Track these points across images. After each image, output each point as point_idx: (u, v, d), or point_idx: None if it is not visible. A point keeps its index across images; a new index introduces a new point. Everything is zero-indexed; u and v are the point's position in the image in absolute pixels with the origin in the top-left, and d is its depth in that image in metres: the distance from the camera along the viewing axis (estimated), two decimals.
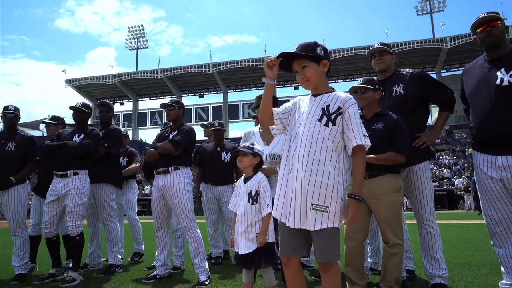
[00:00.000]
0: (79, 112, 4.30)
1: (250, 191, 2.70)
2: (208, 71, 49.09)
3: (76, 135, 4.18)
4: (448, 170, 28.62)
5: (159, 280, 3.89)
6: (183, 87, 54.37)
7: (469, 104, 2.98)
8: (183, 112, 4.28)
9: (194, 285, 3.61)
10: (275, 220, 2.24)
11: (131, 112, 55.06)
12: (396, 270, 2.77)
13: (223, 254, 5.17)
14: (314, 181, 1.95)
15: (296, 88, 51.43)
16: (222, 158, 5.05)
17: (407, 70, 3.40)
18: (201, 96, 54.93)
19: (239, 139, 5.08)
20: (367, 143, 2.03)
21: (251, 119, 53.28)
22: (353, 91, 3.19)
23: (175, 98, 55.45)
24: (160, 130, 4.73)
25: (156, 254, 4.34)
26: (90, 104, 5.17)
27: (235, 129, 58.60)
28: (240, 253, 2.66)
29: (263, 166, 2.87)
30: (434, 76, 48.11)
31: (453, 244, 6.23)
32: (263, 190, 2.67)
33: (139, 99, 56.70)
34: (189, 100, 66.65)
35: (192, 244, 3.86)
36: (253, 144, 2.85)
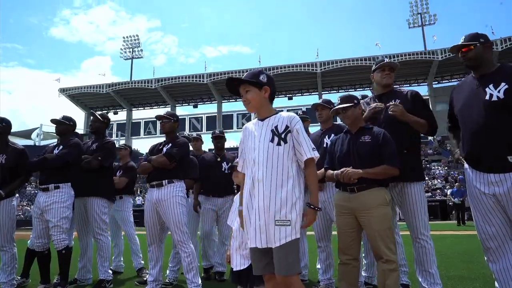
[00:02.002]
0: (60, 124, 4.32)
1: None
2: (203, 81, 49.27)
3: (57, 148, 4.20)
4: (439, 180, 28.78)
5: None
6: (177, 97, 54.41)
7: (454, 122, 3.02)
8: (177, 125, 4.28)
9: None
10: None
11: (125, 121, 54.85)
12: (394, 286, 2.74)
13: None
14: (274, 200, 2.12)
15: (290, 98, 51.79)
16: (223, 169, 4.93)
17: (405, 89, 3.48)
18: (195, 106, 54.95)
19: (234, 149, 5.06)
20: (316, 155, 2.23)
21: None
22: (335, 112, 3.22)
23: (169, 108, 55.22)
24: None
25: (149, 268, 4.28)
26: (83, 114, 5.14)
27: (230, 139, 58.51)
28: (234, 269, 2.63)
29: None
30: (426, 87, 48.75)
31: (446, 256, 6.22)
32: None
33: (133, 109, 56.54)
34: (183, 110, 66.83)
35: (185, 259, 3.81)
36: None
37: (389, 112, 3.15)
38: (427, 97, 48.10)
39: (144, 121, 55.08)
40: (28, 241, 4.35)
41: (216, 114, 53.16)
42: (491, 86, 2.72)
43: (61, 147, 4.17)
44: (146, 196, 4.08)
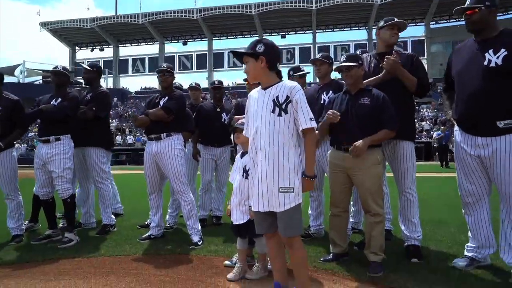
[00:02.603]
0: (58, 75, 4.25)
1: (245, 166, 2.82)
2: (192, 16, 46.93)
3: (54, 99, 4.17)
4: (428, 122, 29.34)
5: (154, 240, 4.10)
6: (165, 33, 52.11)
7: (450, 85, 3.09)
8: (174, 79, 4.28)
9: (188, 245, 3.84)
10: None
11: (112, 58, 53.00)
12: (380, 238, 3.02)
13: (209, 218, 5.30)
14: (277, 168, 2.25)
15: (283, 36, 50.08)
16: (222, 120, 4.98)
17: (404, 52, 3.49)
18: (184, 43, 52.97)
19: (226, 87, 5.10)
20: (313, 125, 2.28)
21: (236, 68, 52.25)
22: (338, 70, 3.25)
23: (157, 44, 53.06)
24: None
25: (150, 215, 4.54)
26: (68, 67, 4.98)
27: (220, 78, 57.51)
28: (234, 223, 2.85)
29: None
30: (423, 27, 47.35)
31: (426, 201, 6.58)
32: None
33: (120, 45, 54.31)
34: (172, 47, 64.28)
35: (185, 207, 4.04)
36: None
37: (382, 65, 3.19)
38: (423, 38, 47.08)
39: (132, 58, 53.29)
40: (33, 188, 4.50)
41: (206, 52, 51.51)
42: (490, 51, 2.76)
43: (59, 99, 4.13)
44: (145, 148, 4.18)
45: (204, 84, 51.17)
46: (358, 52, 4.46)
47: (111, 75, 50.21)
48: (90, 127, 4.45)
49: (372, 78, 3.32)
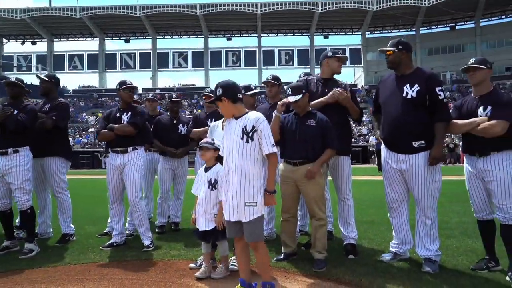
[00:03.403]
0: (11, 85, 4.28)
1: (210, 179, 3.23)
2: (135, 13, 45.50)
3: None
4: (365, 127, 31.59)
5: (116, 247, 4.31)
6: (106, 29, 49.87)
7: (377, 109, 3.81)
8: None
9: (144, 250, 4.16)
10: None
11: (46, 53, 49.49)
12: (323, 238, 3.60)
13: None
14: (244, 186, 2.72)
15: (229, 39, 50.48)
16: (179, 131, 5.29)
17: (342, 81, 4.15)
18: (127, 41, 51.15)
19: (168, 89, 5.39)
20: (274, 150, 2.76)
21: (181, 69, 51.60)
22: (264, 83, 3.85)
23: (97, 41, 50.43)
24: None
25: (109, 222, 4.72)
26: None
27: (165, 78, 56.15)
28: (200, 230, 3.23)
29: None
30: (359, 37, 50.49)
31: (362, 203, 7.45)
32: (220, 180, 3.21)
33: (55, 39, 50.93)
34: (113, 44, 61.51)
35: (138, 216, 4.36)
36: (213, 140, 3.35)
37: (334, 93, 3.79)
38: (359, 46, 50.36)
39: (69, 54, 50.28)
40: None
41: (150, 51, 50.24)
42: (407, 85, 3.47)
43: (15, 111, 4.15)
44: (108, 160, 4.39)
45: (148, 84, 49.97)
46: (302, 75, 5.02)
47: (45, 71, 46.81)
48: (49, 138, 4.52)
49: (318, 100, 3.89)
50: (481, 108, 3.30)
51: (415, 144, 3.43)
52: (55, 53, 50.26)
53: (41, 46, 50.15)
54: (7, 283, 3.21)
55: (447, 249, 3.96)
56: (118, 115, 4.40)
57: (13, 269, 3.61)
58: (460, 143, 27.09)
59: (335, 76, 4.12)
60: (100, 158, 29.69)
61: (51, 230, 5.02)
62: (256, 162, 2.74)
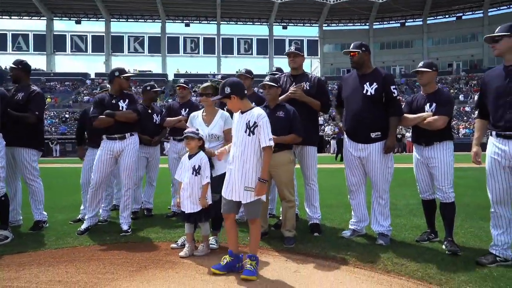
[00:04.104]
0: None
1: (194, 165, 3.51)
2: None
3: None
4: (321, 118, 32.78)
5: (92, 232, 4.45)
6: (54, 8, 46.81)
7: (340, 103, 4.28)
8: None
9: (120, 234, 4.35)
10: (216, 184, 3.45)
11: None
12: (292, 219, 4.03)
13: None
14: (245, 172, 3.11)
15: (187, 25, 49.49)
16: (154, 121, 5.44)
17: (311, 74, 4.58)
18: (78, 22, 48.39)
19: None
20: (271, 143, 3.15)
21: (137, 54, 49.83)
22: (261, 86, 4.12)
23: (45, 20, 47.21)
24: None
25: (82, 209, 4.81)
26: None
27: (119, 62, 53.84)
28: (186, 212, 3.52)
29: (205, 146, 3.68)
30: (317, 29, 51.70)
31: (322, 189, 7.99)
32: (203, 165, 3.52)
33: None
34: (62, 24, 57.59)
35: (126, 200, 4.52)
36: (197, 130, 3.62)
37: (289, 94, 4.18)
38: (317, 38, 51.65)
39: (12, 34, 46.60)
40: None
41: (104, 34, 47.99)
42: (367, 83, 3.95)
43: None
44: (103, 146, 4.45)
45: (101, 68, 47.72)
46: (274, 69, 5.38)
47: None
48: (21, 127, 4.48)
49: (284, 95, 4.28)
50: (428, 104, 3.86)
51: (373, 135, 3.93)
52: None
53: None
54: None
55: (396, 226, 4.55)
56: (114, 101, 4.47)
57: None
58: (407, 134, 29.18)
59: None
60: (51, 146, 28.37)
61: (21, 218, 4.99)
62: (256, 153, 3.13)
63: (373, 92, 3.91)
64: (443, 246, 3.71)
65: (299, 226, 4.58)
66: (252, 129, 3.11)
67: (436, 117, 3.74)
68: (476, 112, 3.67)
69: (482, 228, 4.49)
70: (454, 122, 32.63)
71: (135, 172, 4.79)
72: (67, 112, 37.06)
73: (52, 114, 36.65)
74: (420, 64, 3.93)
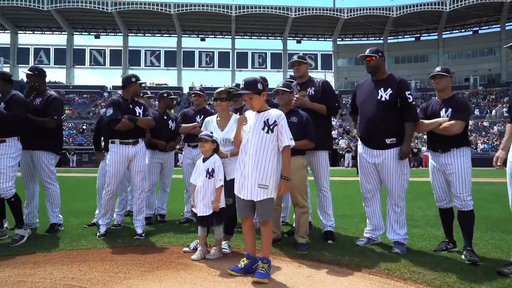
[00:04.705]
0: None
1: (208, 168, 3.53)
2: (107, 9, 44.58)
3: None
4: (335, 132, 32.64)
5: (107, 237, 4.48)
6: (75, 23, 48.48)
7: (354, 109, 4.25)
8: None
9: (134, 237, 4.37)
10: (229, 188, 3.36)
11: (9, 46, 47.29)
12: (306, 225, 3.98)
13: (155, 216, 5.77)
14: (259, 170, 3.09)
15: (202, 39, 50.41)
16: (169, 127, 5.50)
17: (317, 79, 4.55)
18: (97, 37, 49.93)
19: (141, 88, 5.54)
20: (292, 143, 3.15)
21: (154, 68, 50.86)
22: (275, 92, 4.14)
23: (65, 35, 48.46)
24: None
25: (97, 213, 4.85)
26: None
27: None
28: (198, 215, 3.52)
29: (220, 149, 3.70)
30: (331, 43, 51.94)
31: (336, 199, 7.92)
32: (217, 168, 3.53)
33: (19, 32, 48.84)
34: (82, 39, 59.35)
35: (140, 203, 4.58)
36: (212, 132, 3.65)
37: (292, 103, 4.17)
38: (331, 53, 51.83)
39: (34, 48, 48.31)
40: None
41: (121, 48, 49.28)
42: (382, 89, 3.92)
43: (2, 104, 4.15)
44: (115, 151, 4.45)
45: (118, 81, 48.63)
46: (287, 76, 5.44)
47: (8, 65, 44.66)
48: (41, 132, 4.56)
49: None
50: (443, 110, 3.80)
51: (388, 141, 3.88)
52: (19, 46, 48.18)
53: (4, 38, 47.91)
54: (10, 265, 3.33)
55: (413, 236, 4.43)
56: (131, 106, 4.55)
57: (9, 254, 3.70)
58: (423, 148, 28.73)
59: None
60: (68, 156, 28.96)
61: (37, 221, 5.07)
62: (272, 151, 3.11)
63: (387, 98, 3.88)
64: (462, 256, 3.59)
65: (312, 233, 4.52)
66: (271, 127, 3.11)
67: (453, 122, 3.67)
68: (508, 117, 3.55)
69: (503, 239, 4.36)
70: (472, 137, 32.01)
71: (147, 175, 4.83)
72: (85, 124, 37.86)
73: (70, 125, 37.49)
74: (437, 68, 3.89)
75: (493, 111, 38.41)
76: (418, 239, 4.37)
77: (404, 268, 3.27)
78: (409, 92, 3.91)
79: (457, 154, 3.72)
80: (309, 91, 4.36)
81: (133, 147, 4.49)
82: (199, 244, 3.61)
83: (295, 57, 4.48)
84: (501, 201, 8.47)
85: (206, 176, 3.53)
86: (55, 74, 47.93)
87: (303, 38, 50.85)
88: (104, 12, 44.85)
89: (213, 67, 50.63)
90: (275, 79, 46.08)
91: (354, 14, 45.38)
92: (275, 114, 3.17)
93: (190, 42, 61.95)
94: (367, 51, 4.06)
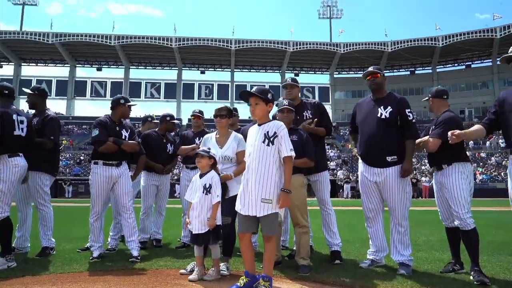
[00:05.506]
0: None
1: (205, 184, 3.45)
2: (110, 42, 45.80)
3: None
4: (333, 163, 32.60)
5: (101, 260, 4.30)
6: (78, 56, 49.62)
7: (355, 129, 4.24)
8: None
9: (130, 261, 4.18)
10: (228, 207, 3.22)
11: (12, 77, 48.04)
12: (306, 246, 3.85)
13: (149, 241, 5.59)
14: (262, 184, 3.00)
15: (202, 72, 51.46)
16: (167, 150, 5.46)
17: (309, 100, 4.63)
18: (99, 69, 50.93)
19: (138, 119, 5.52)
20: (292, 154, 3.10)
21: (153, 99, 51.51)
22: (280, 110, 4.14)
23: (68, 67, 49.53)
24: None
25: (91, 237, 4.69)
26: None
27: (136, 108, 55.46)
28: (193, 233, 3.40)
29: (218, 167, 3.63)
30: (328, 76, 53.09)
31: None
32: (214, 184, 3.45)
33: (23, 64, 49.84)
34: (84, 72, 60.78)
35: (130, 224, 4.45)
36: (209, 148, 3.59)
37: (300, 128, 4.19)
38: (328, 85, 52.84)
39: (37, 79, 49.05)
40: None
41: (122, 80, 50.13)
42: (382, 107, 3.92)
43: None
44: (99, 172, 4.40)
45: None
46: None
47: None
48: (36, 152, 4.49)
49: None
50: (432, 128, 3.83)
51: (388, 158, 3.83)
52: (22, 78, 48.98)
53: (8, 70, 48.79)
54: (14, 284, 3.16)
55: (418, 259, 4.28)
56: (117, 129, 4.52)
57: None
58: (422, 178, 28.58)
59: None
60: (64, 186, 28.61)
61: (29, 245, 4.89)
62: (274, 164, 3.05)
63: (387, 116, 3.88)
64: (471, 277, 3.44)
65: (314, 257, 4.36)
66: (271, 139, 3.06)
67: (425, 139, 3.75)
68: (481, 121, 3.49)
69: (511, 262, 4.21)
70: None
71: (142, 198, 4.71)
72: (83, 154, 37.76)
73: (67, 155, 37.36)
74: (430, 92, 4.02)
75: (487, 143, 38.64)
76: (423, 262, 4.22)
77: None
78: (409, 110, 3.92)
79: (450, 171, 3.65)
80: (305, 115, 4.38)
81: (117, 169, 4.44)
82: (196, 265, 3.46)
83: (288, 80, 4.54)
84: (504, 227, 8.35)
85: (203, 192, 3.44)
86: (56, 105, 48.42)
87: (301, 71, 51.95)
88: (107, 45, 46.03)
89: (212, 99, 51.30)
90: (272, 110, 46.57)
91: (350, 49, 46.71)
92: (275, 125, 3.13)
93: (190, 75, 63.18)
94: (371, 68, 4.11)
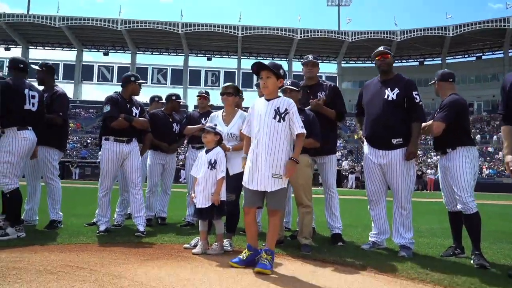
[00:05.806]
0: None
1: (210, 159, 3.49)
2: (116, 27, 45.61)
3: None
4: (339, 153, 32.58)
5: (107, 234, 4.39)
6: (85, 40, 49.51)
7: (361, 111, 4.23)
8: None
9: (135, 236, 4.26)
10: (232, 184, 3.27)
11: None
12: (309, 225, 3.90)
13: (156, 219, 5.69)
14: (272, 159, 3.02)
15: (209, 59, 51.20)
16: (173, 130, 5.50)
17: (326, 82, 4.57)
18: (105, 54, 50.85)
19: (145, 104, 5.46)
20: (303, 131, 3.16)
21: (160, 85, 51.54)
22: (282, 91, 4.13)
23: (75, 51, 49.32)
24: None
25: (97, 212, 4.76)
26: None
27: (142, 93, 55.63)
28: (197, 206, 3.46)
29: (223, 142, 3.67)
30: (335, 65, 52.46)
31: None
32: (219, 160, 3.50)
33: (30, 47, 49.91)
34: (90, 56, 60.78)
35: (138, 200, 4.51)
36: (215, 125, 3.63)
37: (309, 107, 4.18)
38: (335, 75, 52.35)
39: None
40: None
41: (129, 66, 50.04)
42: (389, 89, 3.91)
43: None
44: (110, 148, 4.45)
45: None
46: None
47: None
48: (46, 128, 4.55)
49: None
50: (437, 111, 3.82)
51: (394, 141, 3.84)
52: (30, 61, 49.00)
53: (15, 53, 48.78)
54: (6, 251, 3.25)
55: (419, 244, 4.31)
56: (128, 106, 4.56)
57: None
58: (427, 171, 28.48)
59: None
60: (71, 168, 28.93)
61: (37, 218, 5.01)
62: (285, 139, 3.09)
63: (394, 97, 3.86)
64: (471, 261, 3.48)
65: (316, 239, 4.40)
66: (283, 116, 3.07)
67: (429, 123, 3.75)
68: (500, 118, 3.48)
69: None
70: None
71: (148, 176, 4.76)
72: (90, 138, 38.05)
73: (74, 138, 37.68)
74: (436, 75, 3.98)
75: (494, 137, 38.27)
76: (424, 247, 4.26)
77: (411, 270, 3.16)
78: (416, 92, 3.89)
79: (454, 155, 3.66)
80: (318, 95, 4.37)
81: (127, 145, 4.50)
82: (200, 239, 3.53)
83: (310, 57, 4.49)
84: (507, 219, 8.36)
85: (208, 167, 3.49)
86: (63, 89, 48.64)
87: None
88: (114, 30, 45.86)
89: (219, 86, 51.06)
90: None
91: (358, 37, 46.10)
92: (285, 101, 3.15)
93: (197, 61, 63.06)
94: (381, 47, 4.08)
